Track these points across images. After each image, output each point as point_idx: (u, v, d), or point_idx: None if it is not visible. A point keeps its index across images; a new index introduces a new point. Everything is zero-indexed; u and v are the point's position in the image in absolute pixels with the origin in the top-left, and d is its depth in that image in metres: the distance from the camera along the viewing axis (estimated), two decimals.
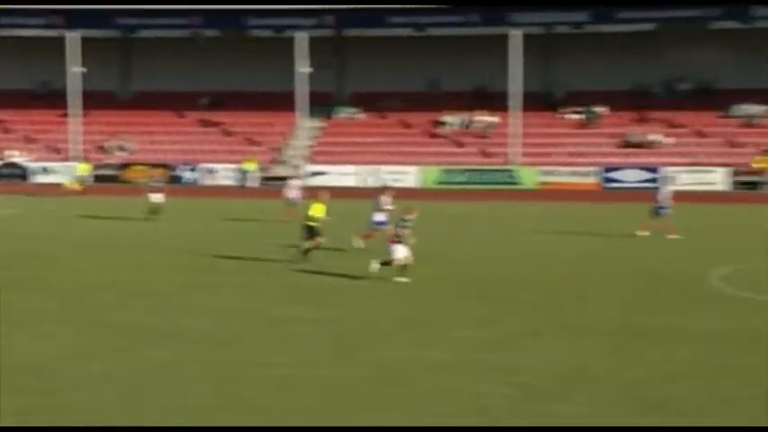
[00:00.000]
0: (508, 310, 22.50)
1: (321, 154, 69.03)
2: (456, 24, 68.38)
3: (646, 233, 36.19)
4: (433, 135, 71.20)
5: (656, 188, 39.52)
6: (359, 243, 31.90)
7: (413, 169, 66.14)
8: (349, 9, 67.43)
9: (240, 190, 62.68)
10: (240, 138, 71.53)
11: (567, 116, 70.16)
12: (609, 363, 17.50)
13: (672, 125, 67.81)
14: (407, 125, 72.27)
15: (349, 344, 18.75)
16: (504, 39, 66.07)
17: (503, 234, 38.02)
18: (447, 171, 66.07)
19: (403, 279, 25.79)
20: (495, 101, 70.67)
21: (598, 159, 66.07)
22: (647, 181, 62.02)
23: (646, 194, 57.35)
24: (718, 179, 61.25)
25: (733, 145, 65.45)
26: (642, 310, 22.52)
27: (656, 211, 36.76)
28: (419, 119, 72.02)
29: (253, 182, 65.18)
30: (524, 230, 39.04)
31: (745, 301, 23.65)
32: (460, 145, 69.76)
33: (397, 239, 26.05)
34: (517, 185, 63.78)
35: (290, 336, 19.44)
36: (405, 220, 26.34)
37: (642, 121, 68.36)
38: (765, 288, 25.49)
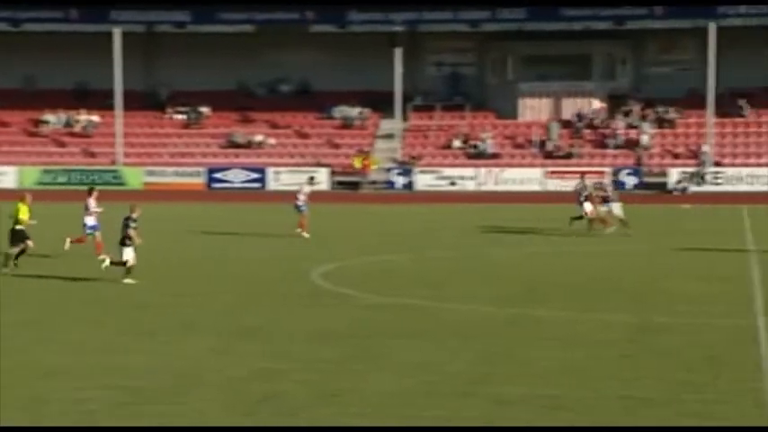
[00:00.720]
0: (117, 311, 22.61)
1: None
2: (55, 20, 66.89)
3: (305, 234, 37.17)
4: (33, 134, 69.30)
5: (298, 188, 40.51)
6: (67, 245, 30.82)
7: (11, 169, 64.13)
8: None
9: None
10: None
11: (171, 116, 70.27)
12: (215, 362, 17.97)
13: (275, 125, 69.48)
14: (5, 124, 69.93)
15: None
16: (106, 37, 65.31)
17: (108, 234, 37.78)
18: (48, 171, 64.54)
19: (130, 280, 26.04)
20: (98, 100, 69.69)
21: (203, 159, 66.70)
22: (252, 181, 63.26)
23: (251, 195, 58.49)
24: (319, 179, 63.32)
25: (333, 146, 67.95)
26: (246, 310, 23.21)
27: (298, 209, 37.92)
28: (17, 117, 69.86)
29: None
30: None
31: (344, 298, 24.89)
32: (62, 145, 68.32)
33: (126, 241, 26.23)
34: (122, 186, 63.27)
35: None
36: (130, 220, 26.40)
37: (246, 121, 69.59)
38: (362, 284, 26.90)
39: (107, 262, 26.72)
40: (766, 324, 21.25)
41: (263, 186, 63.13)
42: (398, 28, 65.26)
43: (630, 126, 66.36)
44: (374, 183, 63.24)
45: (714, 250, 33.88)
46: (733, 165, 63.18)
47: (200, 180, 64.15)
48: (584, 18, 64.64)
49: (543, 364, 17.79)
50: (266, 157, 66.86)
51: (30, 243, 28.82)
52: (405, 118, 67.74)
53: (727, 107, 66.34)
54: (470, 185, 62.71)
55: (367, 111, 69.15)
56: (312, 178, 43.26)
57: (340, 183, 63.64)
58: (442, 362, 17.91)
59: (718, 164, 62.95)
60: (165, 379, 16.78)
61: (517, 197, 58.10)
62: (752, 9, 63.10)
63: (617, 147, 65.18)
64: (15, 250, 28.64)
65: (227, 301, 24.32)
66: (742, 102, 66.09)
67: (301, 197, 38.13)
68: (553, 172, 62.69)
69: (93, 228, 31.08)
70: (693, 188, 59.99)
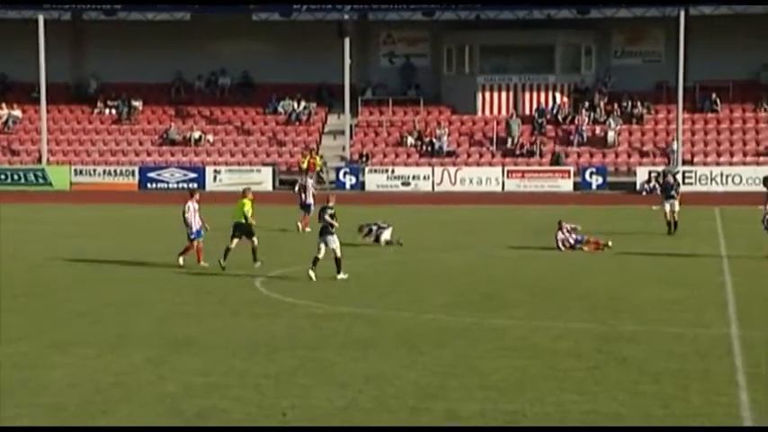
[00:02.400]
0: (46, 320, 22.42)
1: None
2: None
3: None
4: None
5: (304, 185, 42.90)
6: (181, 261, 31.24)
7: None
8: None
9: None
10: None
11: (101, 110, 69.78)
12: (146, 376, 17.84)
13: (214, 121, 69.24)
14: None
15: None
16: (29, 24, 64.67)
17: (37, 238, 37.54)
18: None
19: (344, 276, 28.30)
20: (20, 93, 69.13)
21: (136, 158, 66.34)
22: (189, 181, 62.91)
23: (188, 196, 58.11)
24: (263, 178, 63.19)
25: (277, 143, 67.82)
26: (183, 320, 23.09)
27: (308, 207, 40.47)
28: None
29: None
30: (61, 234, 38.76)
31: (288, 306, 24.81)
32: None
33: (328, 230, 28.22)
34: (48, 186, 62.75)
35: None
36: (327, 209, 28.36)
37: (182, 116, 69.31)
38: (308, 292, 26.82)
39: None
40: (740, 333, 21.39)
41: (202, 187, 62.81)
42: (347, 16, 65.24)
43: (596, 122, 66.75)
44: (322, 182, 63.14)
45: (684, 255, 34.10)
46: (704, 163, 63.68)
47: (132, 180, 63.79)
48: (547, 5, 64.91)
49: (501, 376, 17.80)
50: (204, 155, 66.62)
51: (255, 240, 30.75)
52: (354, 113, 67.72)
53: (698, 102, 66.89)
54: (425, 185, 62.79)
55: (313, 105, 69.07)
56: (307, 171, 45.69)
57: (284, 182, 63.44)
58: (392, 374, 17.89)
59: (688, 162, 63.44)
60: (89, 394, 16.62)
61: (475, 198, 58.26)
62: None
63: (581, 144, 65.52)
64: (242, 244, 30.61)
65: (162, 310, 24.19)
66: (714, 96, 66.61)
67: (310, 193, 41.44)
68: (514, 171, 62.91)
69: (197, 233, 31.25)
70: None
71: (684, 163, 63.00)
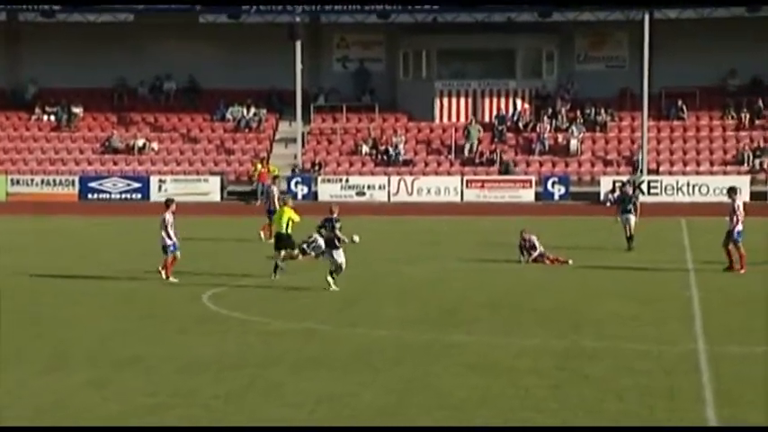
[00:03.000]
0: None
1: None
2: None
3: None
4: None
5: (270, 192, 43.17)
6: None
7: None
8: None
9: None
10: None
11: (39, 117, 69.40)
12: (88, 397, 17.79)
13: (158, 128, 69.04)
14: None
15: None
16: None
17: None
18: None
19: (335, 287, 28.80)
20: None
21: (76, 167, 66.04)
22: (133, 191, 62.76)
23: (131, 207, 58.10)
24: (210, 188, 63.10)
25: (225, 151, 67.71)
26: (127, 337, 23.03)
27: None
28: None
29: None
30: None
31: (237, 323, 24.82)
32: None
33: (336, 243, 28.93)
34: None
35: None
36: (333, 221, 28.97)
37: (125, 123, 69.07)
38: (259, 307, 26.86)
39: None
40: (706, 348, 21.61)
41: (146, 197, 62.66)
42: (298, 19, 65.30)
43: (558, 129, 67.15)
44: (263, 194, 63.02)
45: (649, 268, 34.36)
46: (670, 173, 64.20)
47: (72, 190, 63.52)
48: (507, 8, 65.24)
49: (461, 394, 17.90)
50: (149, 164, 66.45)
51: (296, 253, 31.42)
52: (306, 120, 67.76)
53: (663, 109, 67.43)
54: (381, 195, 62.93)
55: (263, 112, 69.06)
56: (276, 177, 46.25)
57: (235, 193, 63.38)
58: (346, 394, 17.94)
59: (653, 172, 63.91)
60: (28, 416, 16.56)
61: (433, 208, 58.42)
62: None
63: (543, 152, 65.88)
64: (295, 254, 31.67)
65: (105, 328, 24.12)
66: (680, 103, 67.13)
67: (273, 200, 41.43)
68: (473, 180, 63.16)
69: (174, 246, 31.03)
70: None
71: (650, 172, 63.48)
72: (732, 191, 34.14)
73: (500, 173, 64.28)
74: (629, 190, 41.17)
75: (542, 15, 65.70)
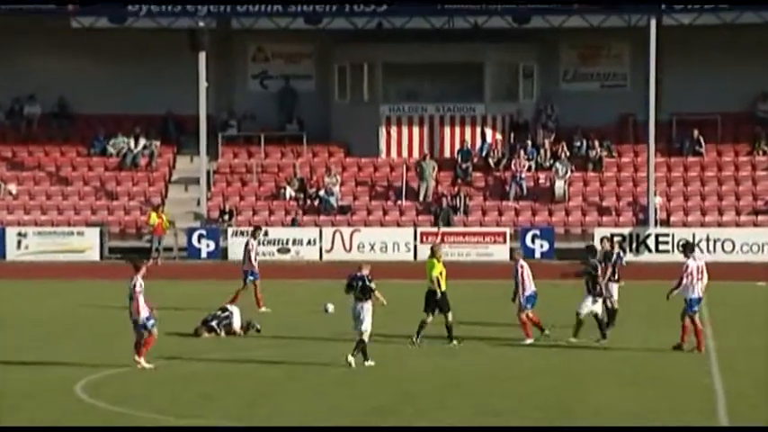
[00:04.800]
0: None
1: None
2: None
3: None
4: None
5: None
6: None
7: None
8: None
9: None
10: None
11: None
12: None
13: (18, 165, 68.54)
14: None
15: None
16: None
17: None
18: None
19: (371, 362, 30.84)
20: None
21: None
22: None
23: None
24: (87, 244, 62.68)
25: (106, 195, 67.25)
26: None
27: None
28: None
29: None
30: None
31: (118, 420, 24.68)
32: None
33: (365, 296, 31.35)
34: None
35: None
36: (366, 279, 31.49)
37: None
38: (147, 400, 26.77)
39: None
40: None
41: (1, 256, 62.22)
42: (203, 23, 65.25)
43: (539, 167, 67.34)
44: (169, 249, 62.85)
45: (658, 348, 34.42)
46: (684, 224, 64.40)
47: None
48: (474, 12, 65.46)
49: None
50: (5, 212, 65.96)
51: (449, 316, 33.43)
52: (213, 155, 67.69)
53: (675, 141, 67.77)
54: (310, 252, 62.86)
55: (156, 144, 68.86)
56: (257, 229, 47.93)
57: (115, 250, 62.92)
58: None
59: (663, 222, 64.14)
60: None
61: (378, 269, 58.17)
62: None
63: (520, 197, 66.01)
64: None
65: None
66: (696, 133, 67.38)
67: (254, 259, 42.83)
68: (429, 233, 63.16)
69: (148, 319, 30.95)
70: (628, 257, 60.71)
71: (658, 223, 63.66)
72: (687, 247, 34.54)
73: (435, 224, 63.76)
74: (613, 257, 38.93)
75: (518, 21, 65.90)
